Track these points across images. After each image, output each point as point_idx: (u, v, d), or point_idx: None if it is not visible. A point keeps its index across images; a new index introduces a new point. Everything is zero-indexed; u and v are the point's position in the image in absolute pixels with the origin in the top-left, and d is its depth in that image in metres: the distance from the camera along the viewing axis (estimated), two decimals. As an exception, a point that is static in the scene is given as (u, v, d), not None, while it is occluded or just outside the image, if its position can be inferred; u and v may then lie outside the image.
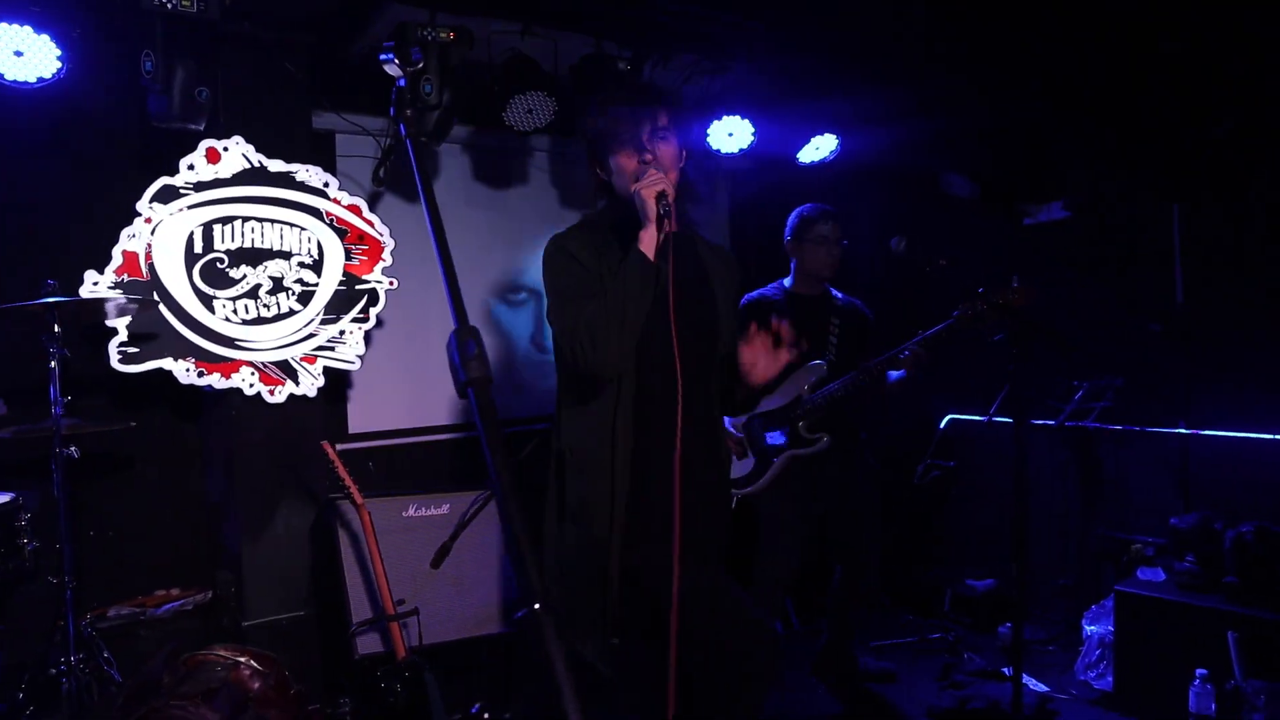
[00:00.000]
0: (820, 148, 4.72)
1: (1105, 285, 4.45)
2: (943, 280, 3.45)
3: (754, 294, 3.86)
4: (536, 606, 0.79)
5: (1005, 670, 4.08)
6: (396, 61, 1.19)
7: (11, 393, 3.55)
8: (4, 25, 2.84)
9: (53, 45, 2.93)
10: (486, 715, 3.10)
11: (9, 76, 2.94)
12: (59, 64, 2.99)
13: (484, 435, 0.86)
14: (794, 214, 3.82)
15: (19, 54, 2.91)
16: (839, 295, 3.84)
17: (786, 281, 3.84)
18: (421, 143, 3.71)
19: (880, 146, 4.92)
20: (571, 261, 2.26)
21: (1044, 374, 4.32)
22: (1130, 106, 4.25)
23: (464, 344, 0.93)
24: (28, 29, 2.88)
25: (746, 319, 3.81)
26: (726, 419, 3.70)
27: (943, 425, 5.06)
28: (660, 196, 2.11)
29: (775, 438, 3.65)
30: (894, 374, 3.61)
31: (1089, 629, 4.04)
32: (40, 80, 2.98)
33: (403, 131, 1.22)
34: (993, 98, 4.55)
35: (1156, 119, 4.19)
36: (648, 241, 2.14)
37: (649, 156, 2.20)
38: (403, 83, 1.25)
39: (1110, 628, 3.85)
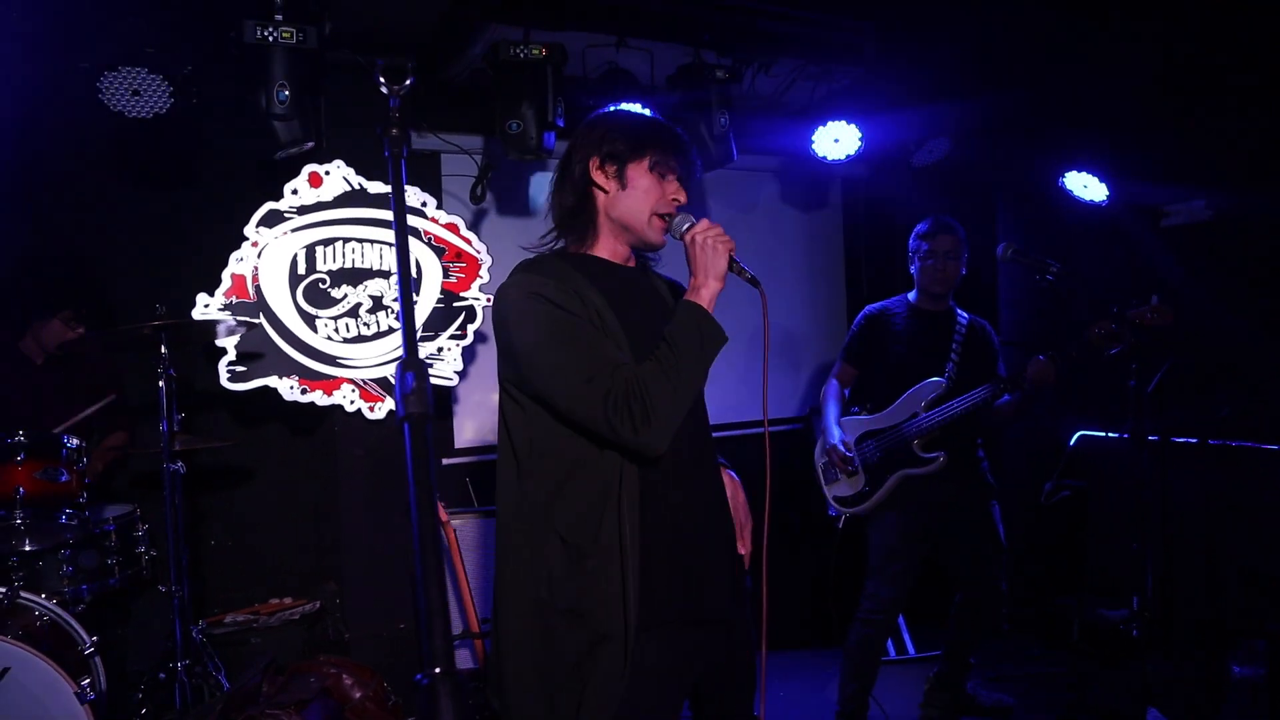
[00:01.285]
0: (934, 151, 4.49)
1: (1254, 291, 4.05)
2: (1058, 289, 3.21)
3: (876, 306, 3.76)
4: (438, 671, 0.74)
5: (1150, 712, 3.75)
6: (381, 80, 1.16)
7: (139, 409, 3.78)
8: (124, 69, 3.03)
9: (164, 85, 3.10)
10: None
11: (130, 113, 3.13)
12: (170, 100, 3.15)
13: (411, 477, 0.81)
14: (914, 230, 3.71)
15: (136, 94, 3.09)
16: (963, 314, 3.68)
17: (911, 296, 3.71)
18: (526, 160, 3.72)
19: (1000, 147, 4.66)
20: (551, 309, 1.84)
21: (1186, 389, 3.96)
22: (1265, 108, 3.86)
23: (404, 377, 0.89)
24: (142, 70, 3.06)
25: (867, 331, 3.72)
26: (835, 434, 3.57)
27: (1073, 442, 4.72)
28: (732, 254, 1.90)
29: (889, 456, 3.50)
30: (1007, 396, 3.42)
31: (1239, 671, 3.67)
32: (155, 115, 3.15)
33: (385, 151, 1.18)
34: (1120, 90, 4.22)
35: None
36: (708, 299, 1.87)
37: (683, 194, 1.99)
38: (395, 102, 1.22)
39: (1263, 670, 3.49)
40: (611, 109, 2.16)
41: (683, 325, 1.84)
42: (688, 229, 1.93)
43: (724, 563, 2.02)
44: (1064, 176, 4.19)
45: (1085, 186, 4.24)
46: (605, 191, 1.98)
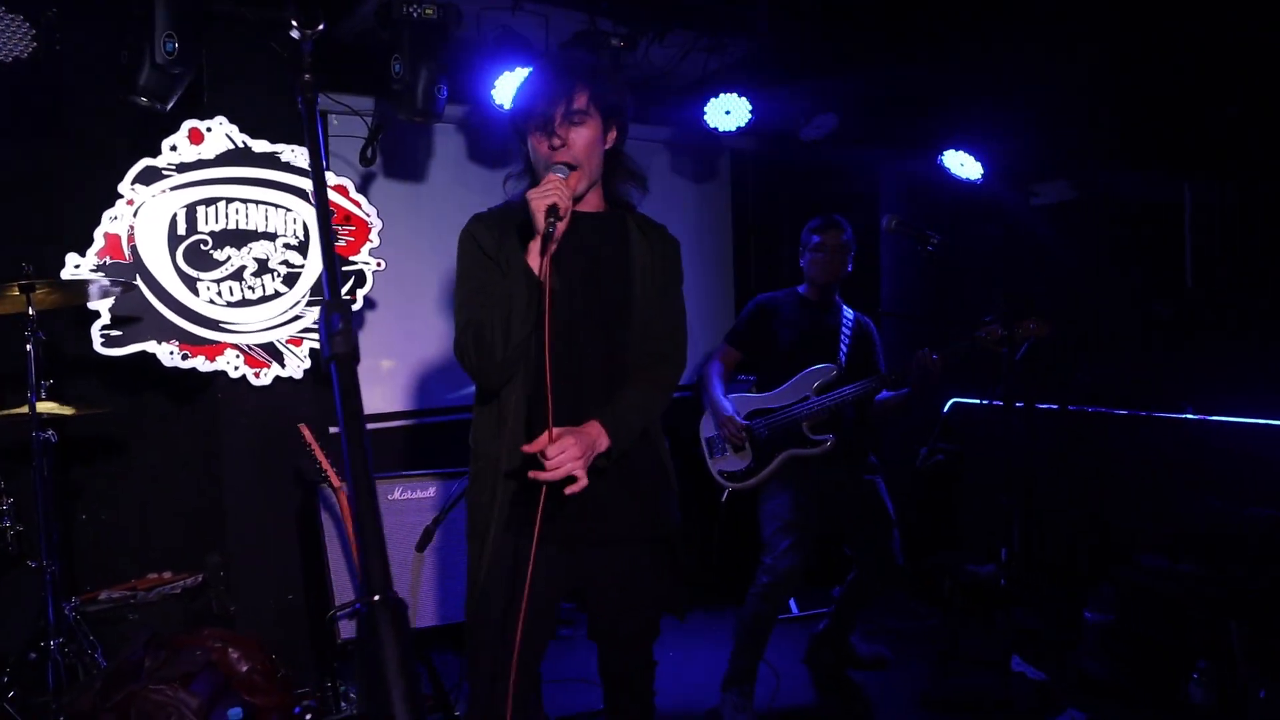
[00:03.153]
0: (821, 126, 4.62)
1: (1113, 268, 4.34)
2: (938, 259, 3.39)
3: (765, 296, 3.90)
4: (377, 599, 0.76)
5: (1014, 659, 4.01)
6: (294, 24, 1.14)
7: (-1, 376, 3.55)
8: (-25, 5, 2.81)
9: (24, 25, 2.90)
10: None
11: (-18, 56, 2.91)
12: (33, 43, 2.96)
13: (341, 413, 0.82)
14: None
15: (-9, 33, 2.89)
16: (849, 310, 3.85)
17: (800, 289, 3.86)
18: (416, 121, 3.64)
19: (884, 125, 4.83)
20: (474, 248, 2.13)
21: (1047, 357, 4.23)
22: (1141, 84, 4.13)
23: (330, 319, 0.89)
24: (1, 9, 2.85)
25: (757, 317, 3.82)
26: (728, 407, 3.65)
27: (946, 409, 4.98)
28: (550, 211, 1.94)
29: (775, 436, 3.61)
30: (888, 392, 3.61)
31: (1089, 616, 3.96)
32: (14, 59, 2.94)
33: (299, 100, 1.16)
34: (1000, 75, 4.44)
35: (1168, 97, 4.06)
36: (534, 256, 1.99)
37: (557, 141, 2.06)
38: (308, 47, 1.20)
39: (1111, 616, 3.78)
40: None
41: (513, 278, 2.01)
42: (528, 194, 2.00)
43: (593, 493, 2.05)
44: (942, 154, 4.38)
45: (962, 165, 4.45)
46: (530, 160, 2.18)
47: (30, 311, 2.85)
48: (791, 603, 4.77)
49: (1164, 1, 3.77)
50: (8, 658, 3.18)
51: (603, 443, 2.03)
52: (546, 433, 1.94)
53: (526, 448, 1.96)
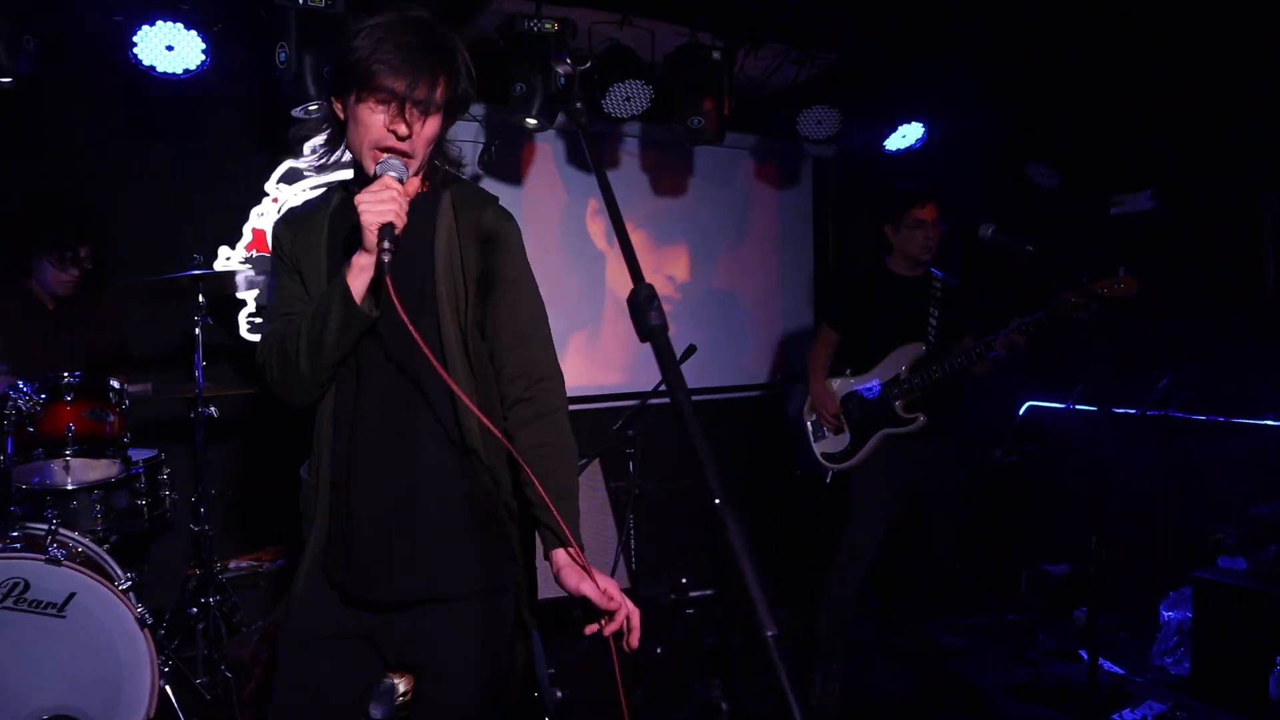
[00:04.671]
0: (907, 135, 4.79)
1: (1193, 275, 4.46)
2: (1030, 268, 3.51)
3: (855, 271, 3.95)
4: (717, 501, 0.93)
5: (1081, 652, 4.15)
6: (568, 60, 1.34)
7: (147, 359, 3.86)
8: (160, 23, 3.11)
9: (199, 40, 3.19)
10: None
11: (160, 69, 3.21)
12: (202, 56, 3.25)
13: (670, 376, 1.01)
14: (893, 196, 3.82)
15: (170, 49, 3.18)
16: (938, 273, 3.84)
17: (888, 260, 3.84)
18: (529, 126, 3.89)
19: (967, 136, 4.99)
20: (277, 251, 1.82)
21: (1127, 364, 4.36)
22: (1220, 95, 4.25)
23: (644, 298, 1.08)
24: (179, 26, 3.15)
25: (844, 293, 3.95)
26: (825, 391, 3.83)
27: (1021, 412, 5.12)
28: (385, 230, 1.57)
29: (872, 416, 3.78)
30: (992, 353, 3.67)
31: (1166, 615, 4.08)
32: (186, 72, 3.24)
33: (574, 124, 1.36)
34: (1080, 85, 4.59)
35: (1247, 108, 4.18)
36: (359, 278, 1.63)
37: (404, 129, 1.64)
38: (576, 79, 1.39)
39: (1188, 614, 3.90)
40: (366, 29, 1.67)
41: (330, 300, 1.66)
42: (359, 201, 1.61)
43: (398, 542, 1.74)
44: (1026, 165, 4.54)
45: (1042, 175, 4.61)
46: (343, 121, 1.73)
47: (200, 299, 3.14)
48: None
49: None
50: (164, 613, 3.48)
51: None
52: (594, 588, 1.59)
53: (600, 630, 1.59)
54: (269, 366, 1.73)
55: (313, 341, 1.66)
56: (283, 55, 3.30)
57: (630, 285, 1.14)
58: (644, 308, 1.08)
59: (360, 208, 1.58)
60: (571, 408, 1.81)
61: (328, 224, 1.80)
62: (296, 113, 3.40)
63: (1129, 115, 4.66)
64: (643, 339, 1.08)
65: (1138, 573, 4.64)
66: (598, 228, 4.96)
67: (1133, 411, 4.50)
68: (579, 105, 1.40)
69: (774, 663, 0.82)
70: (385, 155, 1.66)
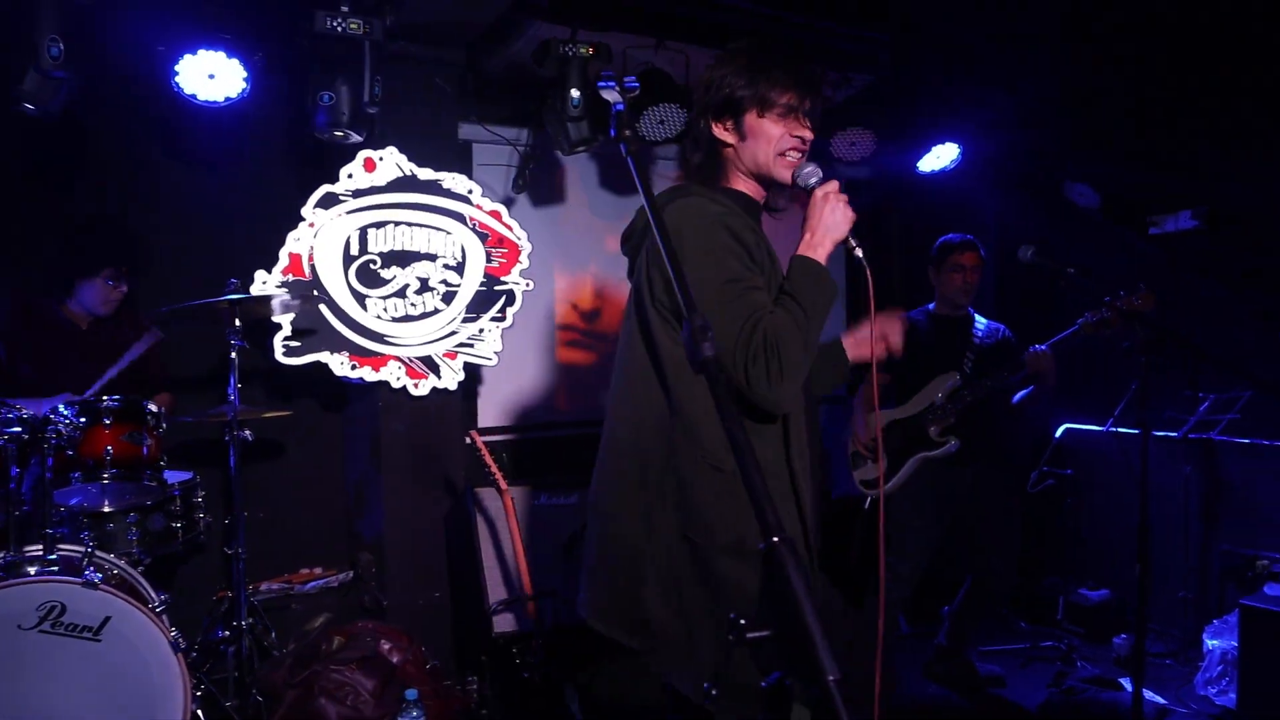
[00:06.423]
0: (941, 156, 4.76)
1: (1235, 296, 4.38)
2: (1070, 290, 3.48)
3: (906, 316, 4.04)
4: (775, 539, 0.91)
5: (1122, 680, 4.06)
6: (615, 88, 1.34)
7: (181, 382, 3.89)
8: (203, 52, 3.15)
9: (240, 68, 3.24)
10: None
11: (201, 96, 3.26)
12: (244, 84, 3.29)
13: (724, 408, 1.00)
14: (938, 241, 4.00)
15: (212, 76, 3.23)
16: (981, 319, 3.99)
17: (931, 305, 4.04)
18: (577, 152, 3.90)
19: (1003, 155, 4.95)
20: (739, 247, 1.85)
21: (1167, 386, 4.28)
22: (1263, 113, 4.18)
23: (698, 329, 1.06)
24: (220, 54, 3.19)
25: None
26: (862, 419, 3.82)
27: (1058, 435, 5.04)
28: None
29: (908, 441, 3.78)
30: (1020, 393, 3.73)
31: (1210, 643, 3.99)
32: (227, 99, 3.28)
33: (624, 150, 1.37)
34: (1117, 104, 4.53)
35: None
36: (824, 257, 1.87)
37: (811, 135, 1.93)
38: (620, 107, 1.40)
39: (1234, 643, 3.80)
40: (727, 51, 1.99)
41: (806, 280, 1.83)
42: (817, 183, 1.90)
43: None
44: (1065, 185, 4.49)
45: (1082, 195, 4.55)
46: (732, 144, 1.97)
47: (237, 322, 3.16)
48: (900, 619, 4.87)
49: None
50: (195, 636, 3.48)
51: None
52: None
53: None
54: (763, 366, 1.74)
55: (809, 333, 1.79)
56: (319, 84, 3.32)
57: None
58: (698, 339, 1.06)
59: (841, 204, 1.86)
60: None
61: (753, 227, 1.94)
62: (333, 135, 3.40)
63: (1171, 133, 4.60)
64: (696, 371, 1.07)
65: (1181, 599, 4.54)
66: (629, 250, 4.95)
67: (1174, 435, 4.42)
68: (629, 133, 1.40)
69: (836, 708, 0.79)
70: (802, 160, 1.93)
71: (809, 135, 1.93)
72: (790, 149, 1.92)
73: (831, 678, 0.80)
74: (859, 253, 1.89)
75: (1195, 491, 4.55)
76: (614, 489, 1.93)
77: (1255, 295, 4.34)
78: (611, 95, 1.38)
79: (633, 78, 1.40)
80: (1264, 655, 3.63)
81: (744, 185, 2.01)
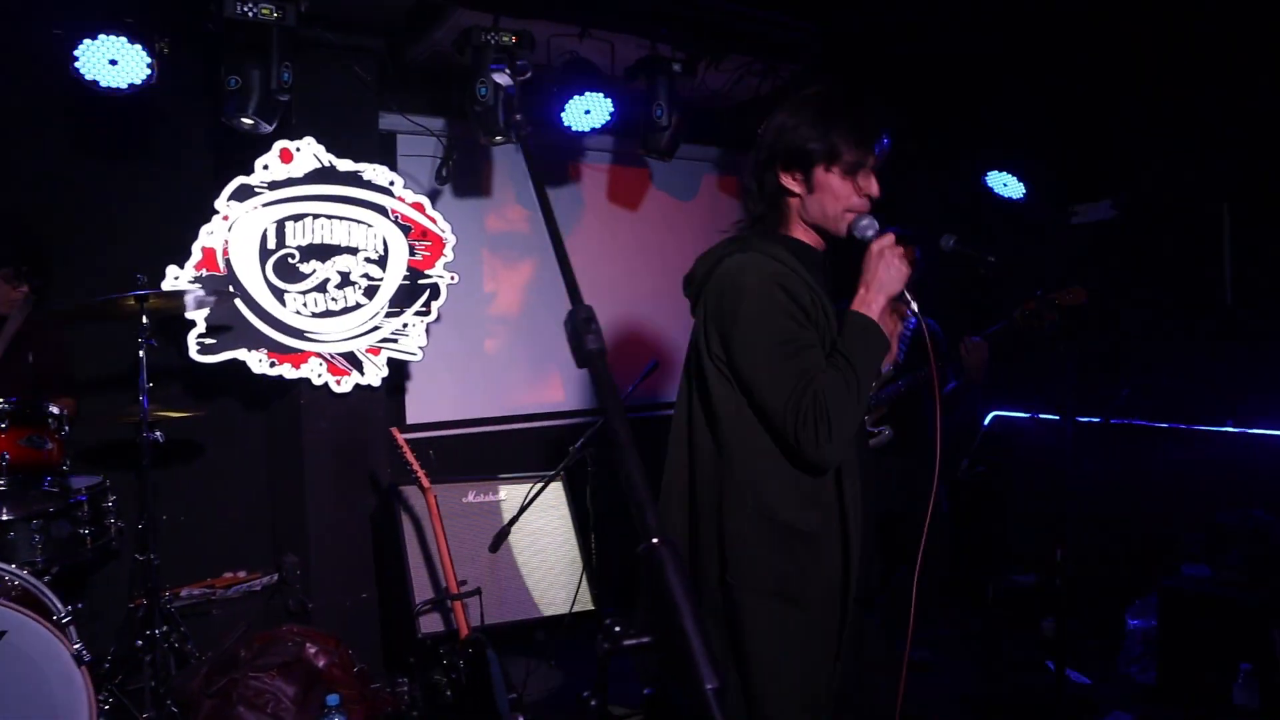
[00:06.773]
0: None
1: (1154, 284, 4.48)
2: (993, 279, 3.52)
3: None
4: (655, 541, 0.88)
5: (1048, 663, 4.13)
6: (507, 71, 1.29)
7: (89, 383, 3.74)
8: (103, 37, 3.01)
9: (144, 54, 3.10)
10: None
11: (104, 83, 3.12)
12: (148, 71, 3.16)
13: (608, 402, 0.96)
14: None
15: (114, 62, 3.09)
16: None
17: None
18: (496, 143, 3.82)
19: (931, 144, 4.99)
20: (795, 306, 1.85)
21: (1091, 373, 4.36)
22: (1179, 105, 4.28)
23: (581, 320, 1.02)
24: (122, 40, 3.06)
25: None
26: None
27: (987, 422, 5.11)
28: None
29: None
30: (950, 384, 3.74)
31: (1133, 623, 4.08)
32: (131, 86, 3.15)
33: (514, 136, 1.32)
34: (1042, 96, 4.60)
35: (1207, 116, 4.22)
36: (877, 313, 1.88)
37: (875, 190, 1.94)
38: (512, 90, 1.36)
39: (1154, 622, 3.90)
40: (796, 99, 2.00)
41: (858, 338, 1.85)
42: (874, 235, 1.91)
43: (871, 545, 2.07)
44: (986, 175, 4.53)
45: (1005, 185, 4.60)
46: (797, 195, 1.96)
47: (144, 320, 3.03)
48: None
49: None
50: (108, 646, 3.35)
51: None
52: None
53: None
54: (809, 434, 1.78)
55: (860, 391, 1.82)
56: (227, 70, 3.21)
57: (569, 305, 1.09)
58: (581, 331, 1.02)
59: (896, 259, 1.87)
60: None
61: (811, 273, 1.93)
62: (241, 124, 3.28)
63: (1091, 124, 4.69)
64: (580, 364, 1.03)
65: (1104, 581, 4.64)
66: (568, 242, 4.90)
67: (1096, 420, 4.51)
68: (519, 117, 1.36)
69: (714, 718, 0.76)
70: (860, 214, 1.93)
71: (875, 193, 1.94)
72: (858, 207, 1.94)
73: (710, 686, 0.78)
74: (914, 307, 1.95)
75: (1117, 476, 4.65)
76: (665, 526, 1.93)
77: (1173, 282, 4.44)
78: (503, 79, 1.33)
79: (524, 60, 1.35)
80: (1181, 633, 3.74)
81: (804, 235, 2.02)
